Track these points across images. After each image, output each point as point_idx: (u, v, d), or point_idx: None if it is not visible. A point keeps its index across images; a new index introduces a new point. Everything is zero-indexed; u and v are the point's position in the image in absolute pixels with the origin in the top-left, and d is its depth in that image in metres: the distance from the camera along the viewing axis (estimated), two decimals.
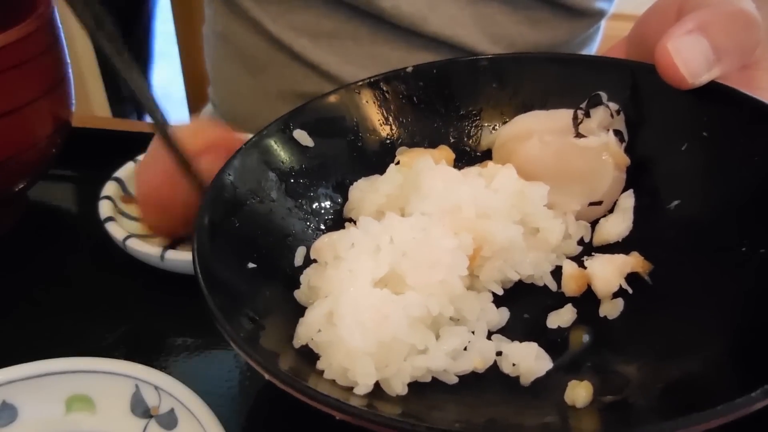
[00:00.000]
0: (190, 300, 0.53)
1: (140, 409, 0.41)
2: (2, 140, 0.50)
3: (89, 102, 1.77)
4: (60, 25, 0.55)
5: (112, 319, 0.52)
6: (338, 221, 0.47)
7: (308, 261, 0.43)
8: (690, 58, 0.41)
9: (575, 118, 0.46)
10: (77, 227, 0.60)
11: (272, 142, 0.47)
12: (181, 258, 0.51)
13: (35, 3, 0.52)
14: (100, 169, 0.60)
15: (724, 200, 0.41)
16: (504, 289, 0.43)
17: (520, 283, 0.44)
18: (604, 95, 0.47)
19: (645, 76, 0.45)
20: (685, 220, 0.43)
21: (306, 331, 0.39)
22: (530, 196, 0.44)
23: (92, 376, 0.41)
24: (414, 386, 0.37)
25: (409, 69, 0.51)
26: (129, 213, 0.58)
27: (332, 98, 0.50)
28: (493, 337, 0.40)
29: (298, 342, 0.39)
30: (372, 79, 0.50)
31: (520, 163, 0.46)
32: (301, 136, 0.48)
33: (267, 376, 0.33)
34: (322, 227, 0.47)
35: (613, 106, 0.46)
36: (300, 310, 0.40)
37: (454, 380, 0.38)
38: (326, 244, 0.42)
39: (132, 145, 0.61)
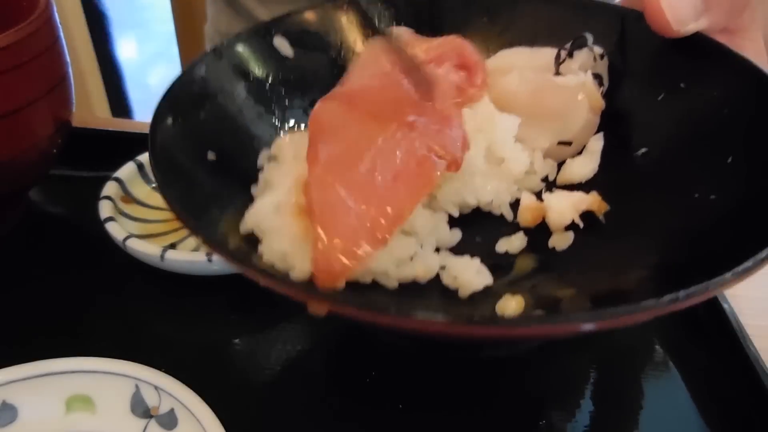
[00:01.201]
0: (190, 300, 0.53)
1: (140, 409, 0.41)
2: (2, 140, 0.50)
3: (89, 102, 1.77)
4: (60, 25, 0.54)
5: (112, 319, 0.52)
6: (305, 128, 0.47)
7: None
8: (677, 4, 0.41)
9: (557, 57, 0.46)
10: (77, 227, 0.60)
11: (251, 46, 0.46)
12: (181, 258, 0.51)
13: (35, 3, 0.52)
14: (100, 169, 0.60)
15: (689, 151, 0.42)
16: (462, 215, 0.44)
17: (478, 211, 0.44)
18: (589, 37, 0.47)
19: (633, 23, 0.45)
20: (649, 167, 0.43)
21: (253, 218, 0.38)
22: (500, 125, 0.44)
23: (92, 376, 0.41)
24: (351, 285, 0.36)
25: None
26: (129, 213, 0.58)
27: (318, 12, 0.49)
28: (441, 253, 0.41)
29: (244, 228, 0.39)
30: None
31: (496, 95, 0.46)
32: (282, 44, 0.47)
33: (212, 251, 0.33)
34: (288, 132, 0.47)
35: (598, 49, 0.46)
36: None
37: (394, 285, 0.39)
38: (288, 143, 0.42)
39: (132, 145, 0.61)
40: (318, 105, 0.40)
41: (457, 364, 0.48)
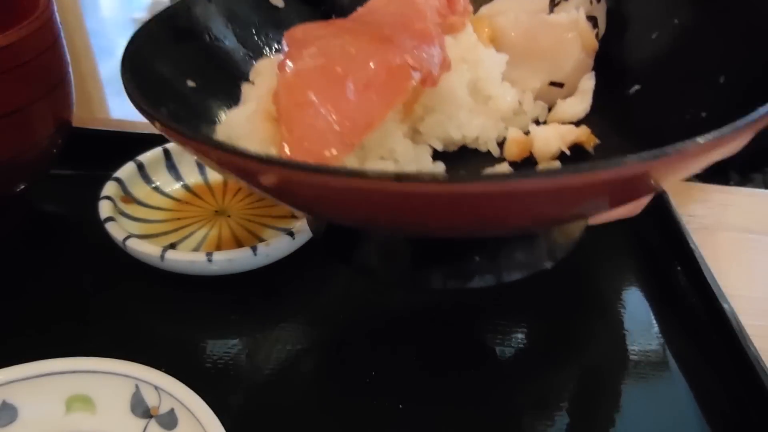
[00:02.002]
0: (190, 300, 0.53)
1: (140, 409, 0.41)
2: (3, 140, 0.50)
3: (89, 102, 1.77)
4: (60, 25, 0.54)
5: (112, 319, 0.52)
6: None
7: None
8: None
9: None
10: (77, 227, 0.60)
11: None
12: (181, 258, 0.51)
13: (35, 3, 0.52)
14: (100, 169, 0.60)
15: (681, 83, 0.41)
16: (448, 151, 0.43)
17: (464, 148, 0.43)
18: None
19: None
20: (642, 104, 0.43)
21: (225, 129, 0.38)
22: (487, 61, 0.43)
23: (92, 376, 0.41)
24: None
25: None
26: (129, 213, 0.58)
27: None
28: None
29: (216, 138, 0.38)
30: None
31: (489, 36, 0.45)
32: None
33: (191, 146, 0.30)
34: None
35: None
36: None
37: None
38: (266, 65, 0.41)
39: (132, 145, 0.62)
40: (298, 25, 0.40)
41: (459, 359, 0.48)
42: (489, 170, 0.41)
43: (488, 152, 0.43)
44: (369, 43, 0.36)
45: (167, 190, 0.62)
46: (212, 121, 0.41)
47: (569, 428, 0.44)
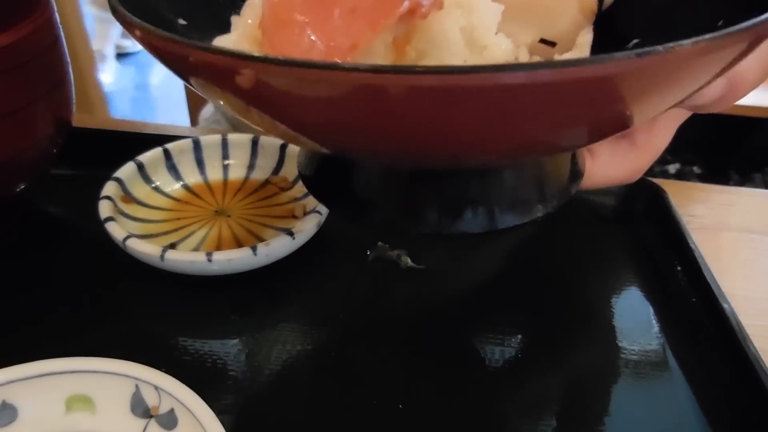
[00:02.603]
0: (190, 300, 0.53)
1: (140, 409, 0.41)
2: (2, 140, 0.50)
3: (89, 102, 1.77)
4: (60, 25, 0.54)
5: (112, 319, 0.52)
6: None
7: None
8: None
9: None
10: (77, 227, 0.60)
11: None
12: (181, 258, 0.51)
13: (35, 3, 0.52)
14: (100, 169, 0.60)
15: (681, 35, 0.40)
16: None
17: None
18: None
19: None
20: None
21: (224, 42, 0.38)
22: (481, 9, 0.42)
23: (92, 376, 0.41)
24: None
25: None
26: (129, 213, 0.58)
27: None
28: None
29: None
30: None
31: None
32: None
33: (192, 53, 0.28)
34: None
35: None
36: None
37: None
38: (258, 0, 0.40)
39: (132, 145, 0.62)
40: None
41: (456, 360, 0.48)
42: None
43: None
44: None
45: (167, 190, 0.62)
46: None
47: (567, 428, 0.44)
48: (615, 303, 0.55)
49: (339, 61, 0.33)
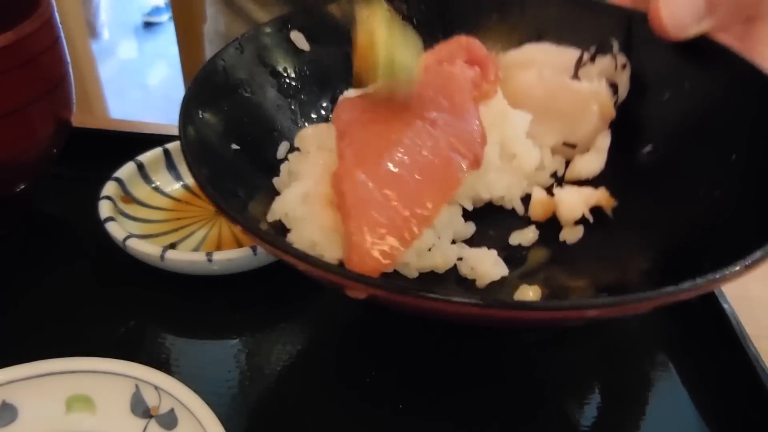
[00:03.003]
0: (190, 300, 0.53)
1: (140, 409, 0.41)
2: (3, 140, 0.50)
3: (89, 102, 1.77)
4: (60, 25, 0.54)
5: (112, 319, 0.52)
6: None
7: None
8: (678, 10, 0.41)
9: (579, 60, 0.47)
10: (77, 227, 0.60)
11: (269, 39, 0.47)
12: (181, 258, 0.51)
13: (35, 3, 0.52)
14: (100, 169, 0.60)
15: (693, 149, 0.43)
16: (474, 207, 0.44)
17: (490, 204, 0.45)
18: (616, 45, 0.47)
19: (640, 25, 0.45)
20: (655, 164, 0.44)
21: (281, 207, 0.40)
22: (513, 121, 0.45)
23: (92, 376, 0.41)
24: None
25: None
26: (129, 213, 0.58)
27: (333, 7, 0.50)
28: (457, 244, 0.42)
29: (272, 216, 0.40)
30: None
31: (512, 89, 0.47)
32: (298, 38, 0.48)
33: (250, 237, 0.33)
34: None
35: (621, 58, 0.47)
36: (276, 195, 0.42)
37: (414, 275, 0.40)
38: (311, 134, 0.43)
39: (132, 145, 0.62)
40: (342, 100, 0.41)
41: (460, 358, 0.48)
42: (517, 234, 0.43)
43: (512, 210, 0.45)
44: (419, 129, 0.38)
45: (167, 190, 0.62)
46: (259, 186, 0.42)
47: (566, 420, 0.44)
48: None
49: (417, 229, 0.36)
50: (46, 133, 0.54)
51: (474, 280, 0.40)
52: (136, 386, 0.41)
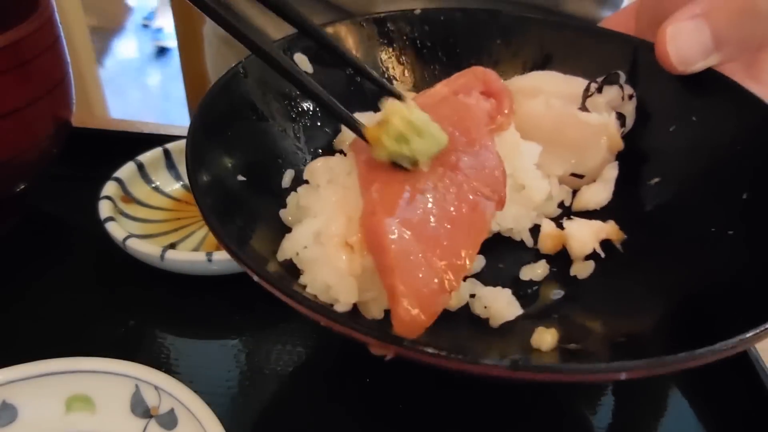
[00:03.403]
0: (190, 300, 0.53)
1: (140, 409, 0.41)
2: (3, 140, 0.50)
3: (89, 102, 1.77)
4: (60, 25, 0.54)
5: (112, 319, 0.52)
6: (328, 151, 0.47)
7: (295, 184, 0.43)
8: (684, 46, 0.41)
9: (586, 90, 0.46)
10: (77, 227, 0.60)
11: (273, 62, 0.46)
12: (181, 258, 0.51)
13: (35, 3, 0.52)
14: (100, 169, 0.60)
15: (702, 183, 0.42)
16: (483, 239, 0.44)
17: (498, 236, 0.45)
18: (623, 76, 0.47)
19: (646, 54, 0.45)
20: (663, 197, 0.44)
21: (292, 246, 0.38)
22: (523, 152, 0.45)
23: (92, 376, 0.41)
24: (389, 313, 0.37)
25: (417, 11, 0.50)
26: (129, 213, 0.58)
27: (337, 27, 0.49)
28: (468, 280, 0.41)
29: (282, 255, 0.39)
30: (379, 15, 0.50)
31: (519, 118, 0.46)
32: (302, 60, 0.47)
33: (256, 278, 0.33)
34: (312, 154, 0.47)
35: (628, 89, 0.46)
36: (283, 229, 0.40)
37: None
38: (322, 167, 0.41)
39: (132, 145, 0.62)
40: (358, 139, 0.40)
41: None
42: (528, 269, 0.43)
43: (521, 241, 0.45)
44: (442, 175, 0.38)
45: (167, 190, 0.62)
46: (266, 219, 0.41)
47: (564, 417, 0.44)
48: None
49: (456, 282, 0.35)
50: (46, 133, 0.54)
51: (487, 319, 0.39)
52: (136, 386, 0.41)
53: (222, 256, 0.50)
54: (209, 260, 0.50)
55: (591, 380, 0.32)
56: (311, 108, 0.47)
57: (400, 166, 0.37)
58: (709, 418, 0.45)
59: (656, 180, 0.44)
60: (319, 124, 0.47)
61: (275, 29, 0.76)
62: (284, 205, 0.42)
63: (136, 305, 0.53)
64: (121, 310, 0.53)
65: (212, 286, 0.53)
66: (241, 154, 0.42)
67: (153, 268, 0.52)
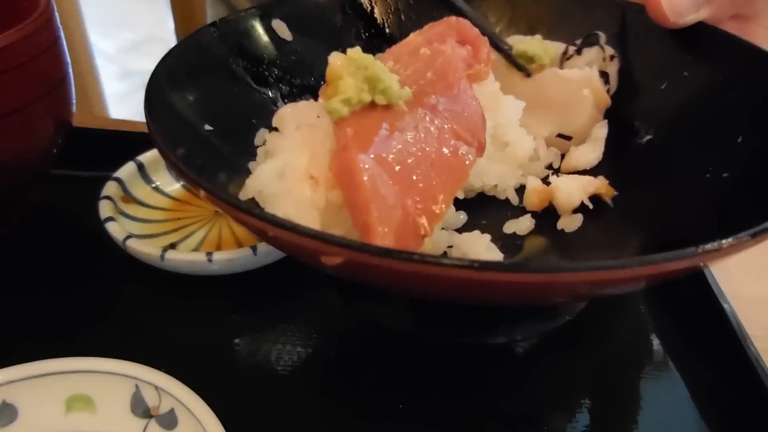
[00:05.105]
0: (190, 300, 0.53)
1: (140, 409, 0.41)
2: (3, 140, 0.50)
3: (89, 102, 1.77)
4: (60, 25, 0.54)
5: (112, 319, 0.52)
6: None
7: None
8: None
9: (564, 53, 0.46)
10: (77, 227, 0.60)
11: (250, 26, 0.46)
12: (181, 258, 0.51)
13: (35, 3, 0.52)
14: (100, 169, 0.60)
15: (695, 134, 0.42)
16: (466, 198, 0.43)
17: (482, 196, 0.44)
18: (602, 37, 0.46)
19: (635, 16, 0.45)
20: (655, 153, 0.43)
21: (255, 184, 0.37)
22: (505, 107, 0.44)
23: (92, 376, 0.41)
24: None
25: None
26: (129, 213, 0.58)
27: None
28: (446, 232, 0.40)
29: (244, 195, 0.37)
30: None
31: (498, 80, 0.45)
32: (280, 27, 0.47)
33: (203, 193, 0.31)
34: None
35: (609, 50, 0.46)
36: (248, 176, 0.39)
37: None
38: (290, 113, 0.40)
39: (132, 145, 0.61)
40: None
41: (457, 359, 0.48)
42: (511, 223, 0.42)
43: (506, 200, 0.44)
44: (422, 117, 0.36)
45: (167, 190, 0.62)
46: (233, 169, 0.40)
47: (564, 417, 0.44)
48: (613, 301, 0.55)
49: (429, 226, 0.33)
50: (46, 133, 0.54)
51: None
52: (136, 386, 0.41)
53: (222, 256, 0.50)
54: (209, 260, 0.50)
55: (563, 282, 0.30)
56: (288, 74, 0.46)
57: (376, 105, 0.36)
58: (709, 418, 0.45)
59: (648, 138, 0.44)
60: (297, 90, 0.47)
61: None
62: (254, 158, 0.41)
63: (136, 305, 0.53)
64: (121, 310, 0.53)
65: (212, 286, 0.53)
66: (209, 107, 0.41)
67: (153, 268, 0.52)
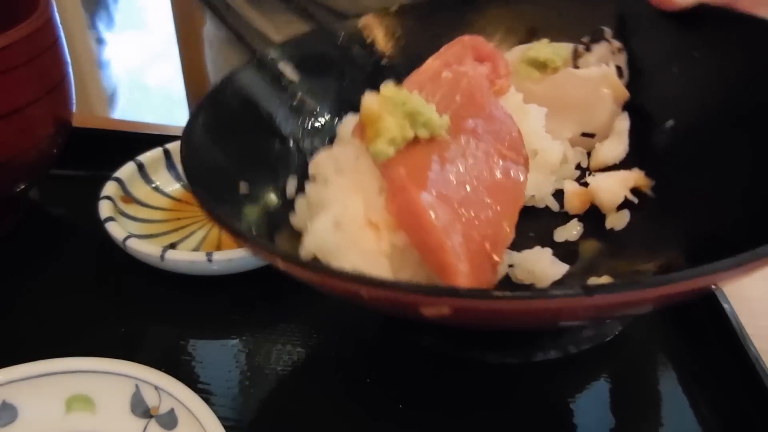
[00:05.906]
0: (190, 300, 0.53)
1: (140, 409, 0.41)
2: (3, 140, 0.50)
3: (89, 102, 1.77)
4: (60, 25, 0.54)
5: (112, 319, 0.52)
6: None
7: (300, 191, 0.42)
8: None
9: (575, 52, 0.46)
10: (77, 227, 0.60)
11: (257, 73, 0.46)
12: (181, 258, 0.51)
13: (35, 3, 0.52)
14: (100, 169, 0.60)
15: (720, 113, 0.41)
16: None
17: (521, 209, 0.43)
18: (608, 31, 0.46)
19: (632, 6, 0.45)
20: (681, 138, 0.43)
21: (314, 241, 0.36)
22: (529, 116, 0.43)
23: (92, 376, 0.41)
24: None
25: (394, 8, 0.50)
26: (129, 213, 0.58)
27: (319, 34, 0.49)
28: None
29: (306, 253, 0.36)
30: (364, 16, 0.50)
31: (516, 87, 0.45)
32: (286, 69, 0.46)
33: (282, 266, 0.30)
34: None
35: (616, 43, 0.46)
36: (295, 234, 0.38)
37: None
38: (327, 158, 0.39)
39: (132, 145, 0.62)
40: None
41: (458, 361, 0.48)
42: (560, 231, 0.41)
43: (546, 208, 0.43)
44: (465, 144, 0.35)
45: (167, 189, 0.62)
46: (276, 226, 0.40)
47: (565, 418, 0.44)
48: None
49: (498, 257, 0.33)
50: (46, 133, 0.54)
51: (532, 284, 0.36)
52: (136, 386, 0.41)
53: (222, 256, 0.50)
54: (209, 260, 0.50)
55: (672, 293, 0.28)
56: (301, 114, 0.46)
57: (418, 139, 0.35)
58: (709, 419, 0.45)
59: (671, 123, 0.43)
60: (316, 130, 0.46)
61: (275, 32, 0.76)
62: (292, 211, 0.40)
63: (136, 305, 0.53)
64: (121, 310, 0.53)
65: (212, 286, 0.53)
66: (239, 167, 0.40)
67: (153, 268, 0.52)
